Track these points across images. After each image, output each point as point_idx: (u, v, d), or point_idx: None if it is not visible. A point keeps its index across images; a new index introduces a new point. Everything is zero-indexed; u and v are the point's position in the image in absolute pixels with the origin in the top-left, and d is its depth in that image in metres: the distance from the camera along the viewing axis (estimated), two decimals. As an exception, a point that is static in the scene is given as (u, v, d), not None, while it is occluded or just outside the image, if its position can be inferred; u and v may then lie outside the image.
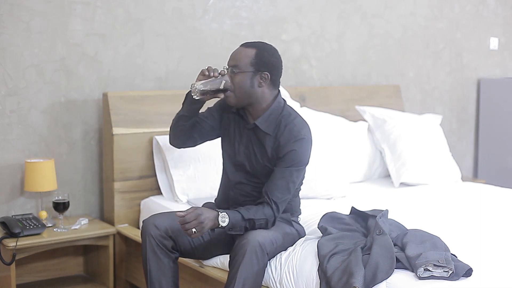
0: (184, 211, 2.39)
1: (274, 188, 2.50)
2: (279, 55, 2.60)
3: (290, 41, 4.09)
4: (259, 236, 2.38)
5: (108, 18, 3.43)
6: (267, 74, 2.53)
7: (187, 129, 2.68)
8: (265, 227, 2.50)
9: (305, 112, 3.63)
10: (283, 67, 2.62)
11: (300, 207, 2.76)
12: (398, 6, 4.61)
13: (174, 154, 3.30)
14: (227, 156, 2.69)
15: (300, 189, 2.69)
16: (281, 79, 2.63)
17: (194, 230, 2.35)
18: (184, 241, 2.58)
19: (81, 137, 3.43)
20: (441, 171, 3.87)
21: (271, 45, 2.62)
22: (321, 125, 3.59)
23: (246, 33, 3.89)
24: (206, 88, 2.48)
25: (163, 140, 3.35)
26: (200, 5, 3.72)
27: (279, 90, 2.63)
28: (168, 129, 3.14)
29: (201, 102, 2.58)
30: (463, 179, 4.21)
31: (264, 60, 2.53)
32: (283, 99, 2.64)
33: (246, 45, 2.58)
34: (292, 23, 4.10)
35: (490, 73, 5.28)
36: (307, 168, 3.28)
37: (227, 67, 2.56)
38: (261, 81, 2.54)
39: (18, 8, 3.19)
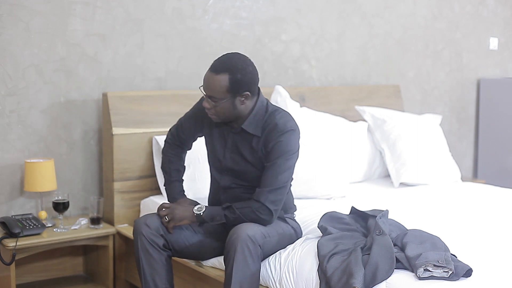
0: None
1: (263, 182, 2.51)
2: (251, 65, 2.52)
3: (290, 41, 4.09)
4: (248, 230, 2.39)
5: (108, 18, 3.43)
6: (247, 93, 2.50)
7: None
8: (254, 216, 2.48)
9: (305, 112, 3.63)
10: (257, 74, 2.54)
11: (295, 204, 2.77)
12: (398, 6, 4.61)
13: (174, 154, 3.29)
14: (213, 163, 2.71)
15: (291, 185, 2.67)
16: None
17: (166, 217, 2.56)
18: (177, 239, 2.60)
19: (81, 137, 3.43)
20: (441, 171, 3.87)
21: (241, 57, 2.52)
22: (321, 125, 3.58)
23: (246, 33, 3.89)
24: None
25: (163, 140, 3.34)
26: (199, 5, 3.72)
27: (259, 90, 2.60)
28: (168, 129, 3.14)
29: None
30: (463, 179, 4.21)
31: (240, 83, 2.46)
32: (266, 98, 2.64)
33: (216, 70, 2.47)
34: (292, 23, 4.10)
35: (490, 73, 5.28)
36: (307, 167, 3.31)
37: (204, 93, 2.53)
38: (243, 99, 2.51)
39: (18, 8, 3.19)
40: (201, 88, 2.54)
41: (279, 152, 2.50)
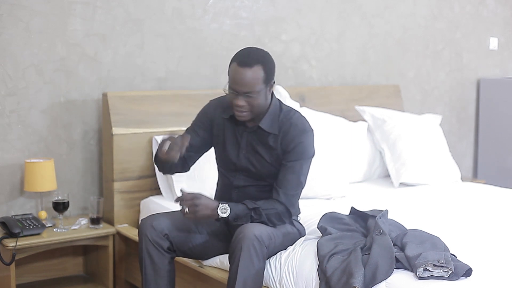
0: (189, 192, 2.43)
1: (286, 183, 2.50)
2: (270, 55, 2.55)
3: (290, 41, 4.09)
4: (255, 230, 2.37)
5: (108, 18, 3.43)
6: (273, 83, 2.52)
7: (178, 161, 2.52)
8: (279, 220, 2.50)
9: (305, 112, 3.63)
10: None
11: (299, 207, 2.76)
12: (398, 6, 4.61)
13: (174, 154, 3.29)
14: (224, 164, 2.65)
15: None
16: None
17: (186, 209, 2.39)
18: (181, 242, 2.59)
19: (80, 137, 3.43)
20: (441, 171, 3.87)
21: (261, 49, 2.52)
22: (321, 125, 3.58)
23: (246, 33, 3.89)
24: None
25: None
26: (199, 5, 3.72)
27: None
28: (168, 129, 3.11)
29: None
30: (463, 179, 4.21)
31: (271, 72, 2.49)
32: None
33: (249, 63, 2.41)
34: (292, 23, 4.10)
35: (490, 73, 5.28)
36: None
37: (230, 90, 2.44)
38: (269, 89, 2.52)
39: (18, 8, 3.19)
40: (227, 89, 2.47)
41: (300, 153, 2.51)
